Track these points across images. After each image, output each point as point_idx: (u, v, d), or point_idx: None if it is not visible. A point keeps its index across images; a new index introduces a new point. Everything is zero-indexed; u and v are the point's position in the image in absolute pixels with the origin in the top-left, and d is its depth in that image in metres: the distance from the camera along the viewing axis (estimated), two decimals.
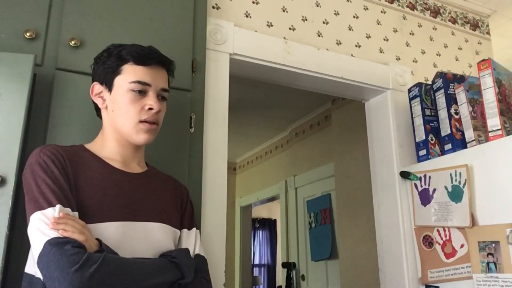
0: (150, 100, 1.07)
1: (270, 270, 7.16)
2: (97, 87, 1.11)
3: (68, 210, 0.90)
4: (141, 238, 1.01)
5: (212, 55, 1.61)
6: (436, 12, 2.37)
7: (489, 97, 1.58)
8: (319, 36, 1.93)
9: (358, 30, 2.06)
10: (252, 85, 2.87)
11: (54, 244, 0.84)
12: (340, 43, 1.98)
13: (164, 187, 1.16)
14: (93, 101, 1.13)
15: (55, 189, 0.91)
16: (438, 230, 1.68)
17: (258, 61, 1.73)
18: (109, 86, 1.08)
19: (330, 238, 3.41)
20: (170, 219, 1.10)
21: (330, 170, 3.42)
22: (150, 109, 1.07)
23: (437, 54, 2.28)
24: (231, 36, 1.68)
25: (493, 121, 1.56)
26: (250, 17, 1.78)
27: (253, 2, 1.81)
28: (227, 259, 1.48)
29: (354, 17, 2.07)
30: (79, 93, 1.26)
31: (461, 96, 1.71)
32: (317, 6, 1.98)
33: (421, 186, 1.77)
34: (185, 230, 1.14)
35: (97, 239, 0.91)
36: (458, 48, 2.37)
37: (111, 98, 1.08)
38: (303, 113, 3.99)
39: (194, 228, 1.16)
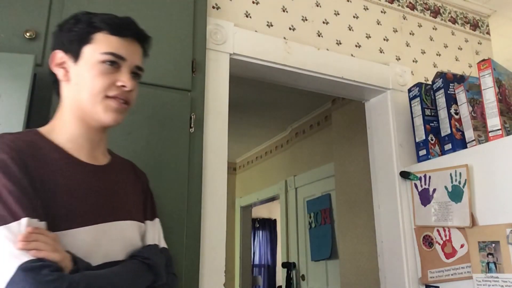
0: (123, 77, 0.92)
1: (270, 270, 7.16)
2: (59, 55, 0.94)
3: (36, 221, 0.76)
4: (117, 240, 0.90)
5: (212, 55, 1.61)
6: (436, 12, 2.37)
7: (489, 97, 1.58)
8: (319, 36, 1.93)
9: (358, 30, 2.06)
10: (252, 85, 2.87)
11: (28, 270, 0.70)
12: (340, 43, 1.98)
13: (127, 176, 1.03)
14: (50, 73, 0.96)
15: (19, 196, 0.76)
16: (438, 230, 1.68)
17: (258, 61, 1.73)
18: (75, 55, 0.92)
19: (330, 238, 3.41)
20: (137, 214, 0.99)
21: (330, 170, 3.42)
22: (123, 86, 0.92)
23: (437, 54, 2.28)
24: (231, 36, 1.68)
25: (493, 121, 1.56)
26: (250, 17, 1.78)
27: (253, 2, 1.81)
28: (227, 259, 1.48)
29: (354, 17, 2.07)
30: None
31: (461, 96, 1.71)
32: (317, 6, 1.98)
33: (421, 186, 1.77)
34: (149, 222, 1.02)
35: (68, 252, 0.79)
36: (458, 48, 2.37)
37: (76, 70, 0.92)
38: (303, 113, 3.99)
39: (157, 219, 1.06)
